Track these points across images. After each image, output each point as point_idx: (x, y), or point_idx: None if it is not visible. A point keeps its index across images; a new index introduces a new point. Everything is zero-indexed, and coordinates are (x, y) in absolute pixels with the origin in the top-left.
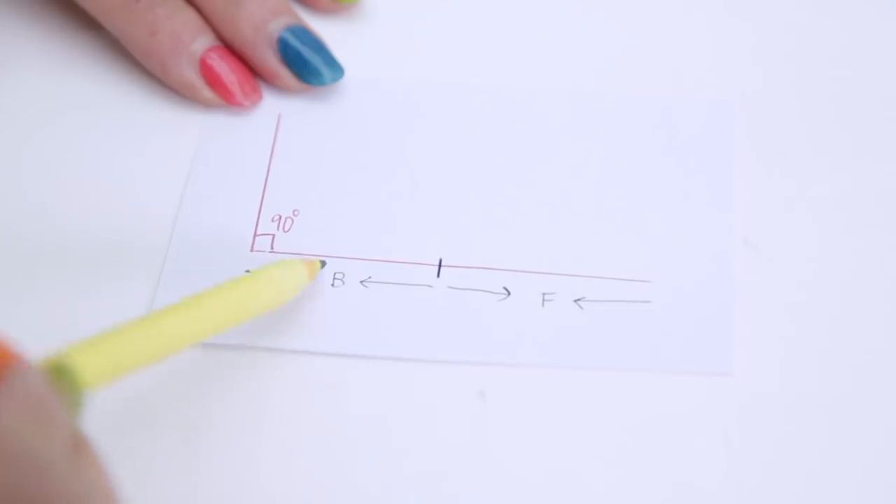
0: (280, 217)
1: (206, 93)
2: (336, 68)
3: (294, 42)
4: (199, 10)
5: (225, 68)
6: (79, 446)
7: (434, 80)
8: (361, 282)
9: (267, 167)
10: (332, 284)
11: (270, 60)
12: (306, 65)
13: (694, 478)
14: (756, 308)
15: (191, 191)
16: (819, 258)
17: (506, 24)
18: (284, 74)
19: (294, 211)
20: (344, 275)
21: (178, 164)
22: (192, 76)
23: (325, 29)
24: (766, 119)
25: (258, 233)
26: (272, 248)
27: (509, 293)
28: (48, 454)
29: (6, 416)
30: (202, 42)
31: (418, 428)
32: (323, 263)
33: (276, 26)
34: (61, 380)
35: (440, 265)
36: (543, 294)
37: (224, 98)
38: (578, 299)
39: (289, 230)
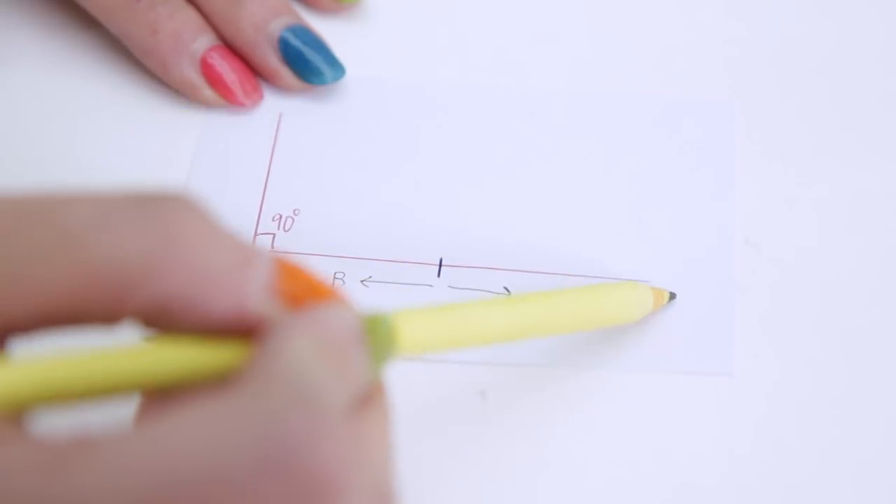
0: (280, 216)
1: (207, 92)
2: (337, 67)
3: (295, 41)
4: (200, 10)
5: (226, 67)
6: (367, 405)
7: (435, 79)
8: (362, 281)
9: (267, 166)
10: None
11: (271, 60)
12: (307, 64)
13: (694, 478)
14: (756, 308)
15: (191, 190)
16: (820, 258)
17: (506, 24)
18: (285, 74)
19: (294, 210)
20: (344, 274)
21: (178, 164)
22: (193, 75)
23: (326, 28)
24: (766, 119)
25: (259, 232)
26: (273, 247)
27: (510, 293)
28: (329, 397)
29: (298, 342)
30: (203, 41)
31: (419, 428)
32: (672, 296)
33: (277, 26)
34: (375, 331)
35: (441, 265)
36: None
37: (225, 97)
38: None
39: (289, 230)
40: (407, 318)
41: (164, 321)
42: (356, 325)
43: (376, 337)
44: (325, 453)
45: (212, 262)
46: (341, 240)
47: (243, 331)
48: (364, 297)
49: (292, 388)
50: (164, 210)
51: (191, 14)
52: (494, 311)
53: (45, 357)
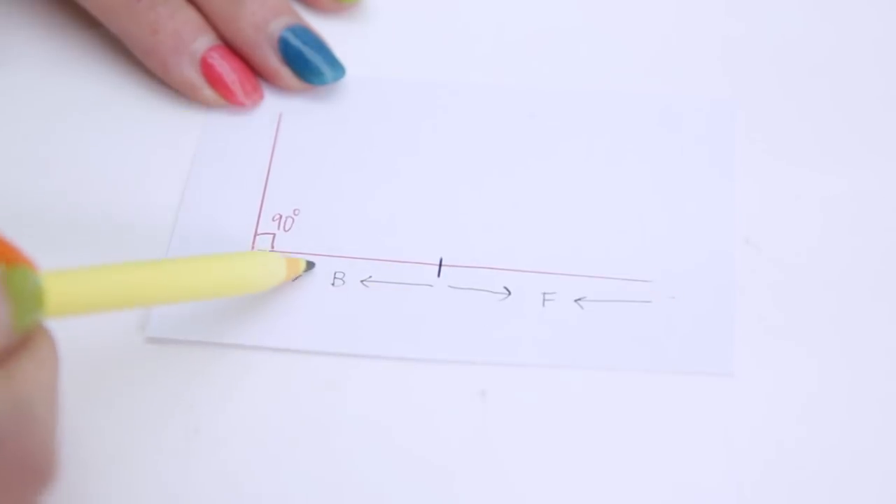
0: (280, 216)
1: (207, 92)
2: (337, 67)
3: (295, 42)
4: (200, 10)
5: (226, 67)
6: (9, 357)
7: (434, 79)
8: (362, 281)
9: (267, 166)
10: (333, 284)
11: (271, 60)
12: (307, 64)
13: (694, 478)
14: (756, 308)
15: (191, 190)
16: (820, 258)
17: (506, 24)
18: (285, 74)
19: (294, 210)
20: (344, 274)
21: (178, 164)
22: (194, 75)
23: (326, 28)
24: (766, 119)
25: (259, 232)
26: (273, 247)
27: (510, 293)
28: None
29: None
30: (203, 41)
31: (419, 428)
32: (310, 265)
33: (278, 26)
34: (16, 284)
35: (441, 265)
36: (544, 294)
37: (225, 97)
38: (579, 299)
39: (289, 229)
40: (54, 276)
41: None
42: None
43: (19, 290)
44: None
45: None
46: (341, 240)
47: None
48: (364, 297)
49: None
50: None
51: (191, 14)
52: (140, 273)
53: None
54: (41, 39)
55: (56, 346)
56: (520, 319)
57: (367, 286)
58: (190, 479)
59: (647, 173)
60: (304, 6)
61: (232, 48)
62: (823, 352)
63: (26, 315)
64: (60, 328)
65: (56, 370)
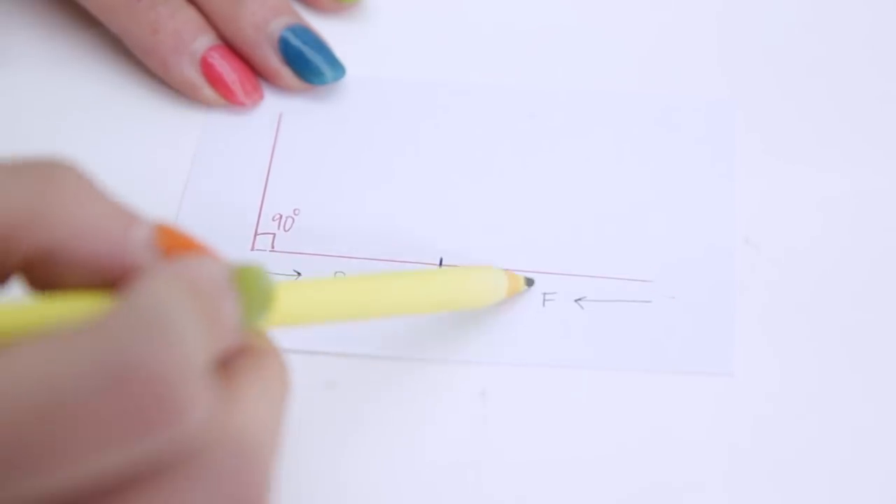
0: (281, 216)
1: (208, 92)
2: (337, 67)
3: (295, 41)
4: (201, 10)
5: (226, 67)
6: (247, 367)
7: (434, 79)
8: None
9: (268, 166)
10: None
11: (272, 60)
12: (307, 64)
13: (694, 478)
14: (756, 308)
15: (191, 190)
16: (820, 258)
17: (507, 24)
18: (286, 74)
19: (295, 210)
20: (344, 274)
21: (178, 164)
22: (194, 75)
23: (326, 28)
24: (765, 119)
25: (259, 232)
26: (273, 247)
27: None
28: (186, 336)
29: (161, 283)
30: (204, 41)
31: (419, 428)
32: (530, 281)
33: (278, 26)
34: (249, 283)
35: (441, 265)
36: (544, 294)
37: (225, 97)
38: (579, 299)
39: (289, 229)
40: (283, 284)
41: (48, 274)
42: (225, 275)
43: (250, 288)
44: (169, 373)
45: (95, 215)
46: (341, 240)
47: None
48: None
49: (142, 319)
50: (47, 168)
51: (191, 14)
52: (366, 285)
53: None
54: (41, 39)
55: (286, 366)
56: (520, 319)
57: None
58: None
59: (646, 173)
60: (304, 6)
61: (232, 48)
62: (823, 351)
63: (254, 314)
64: None
65: (286, 391)
